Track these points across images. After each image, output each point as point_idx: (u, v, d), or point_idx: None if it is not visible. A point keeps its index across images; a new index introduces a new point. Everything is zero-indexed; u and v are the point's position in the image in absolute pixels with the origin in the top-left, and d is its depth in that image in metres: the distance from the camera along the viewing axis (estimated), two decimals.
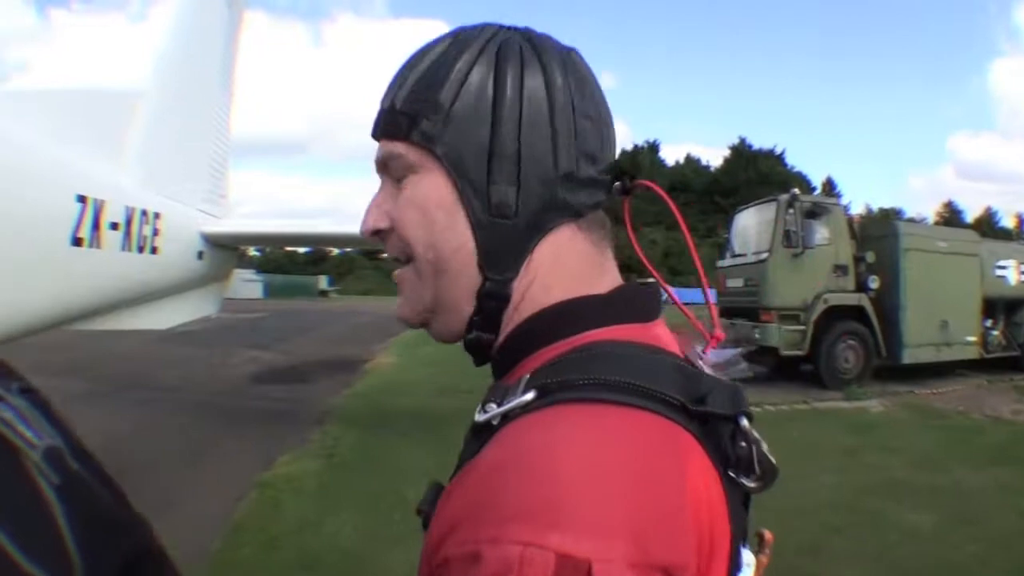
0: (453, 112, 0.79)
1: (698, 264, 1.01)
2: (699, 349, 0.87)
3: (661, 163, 70.15)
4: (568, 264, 0.82)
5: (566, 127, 0.80)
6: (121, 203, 5.31)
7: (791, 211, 12.54)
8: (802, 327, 12.47)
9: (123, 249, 5.35)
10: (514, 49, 0.81)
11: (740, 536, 0.76)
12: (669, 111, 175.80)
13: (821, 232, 12.80)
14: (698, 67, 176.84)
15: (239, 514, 5.65)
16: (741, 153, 78.38)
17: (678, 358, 0.80)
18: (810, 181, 74.53)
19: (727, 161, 79.13)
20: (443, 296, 0.83)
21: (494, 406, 0.73)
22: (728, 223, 15.31)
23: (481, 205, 0.79)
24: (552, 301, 0.81)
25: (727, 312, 13.34)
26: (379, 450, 7.76)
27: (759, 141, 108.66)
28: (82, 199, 4.80)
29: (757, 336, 12.34)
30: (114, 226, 5.19)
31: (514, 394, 0.72)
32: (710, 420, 0.71)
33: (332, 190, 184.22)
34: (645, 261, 1.06)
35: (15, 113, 4.75)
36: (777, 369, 13.15)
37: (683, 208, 1.02)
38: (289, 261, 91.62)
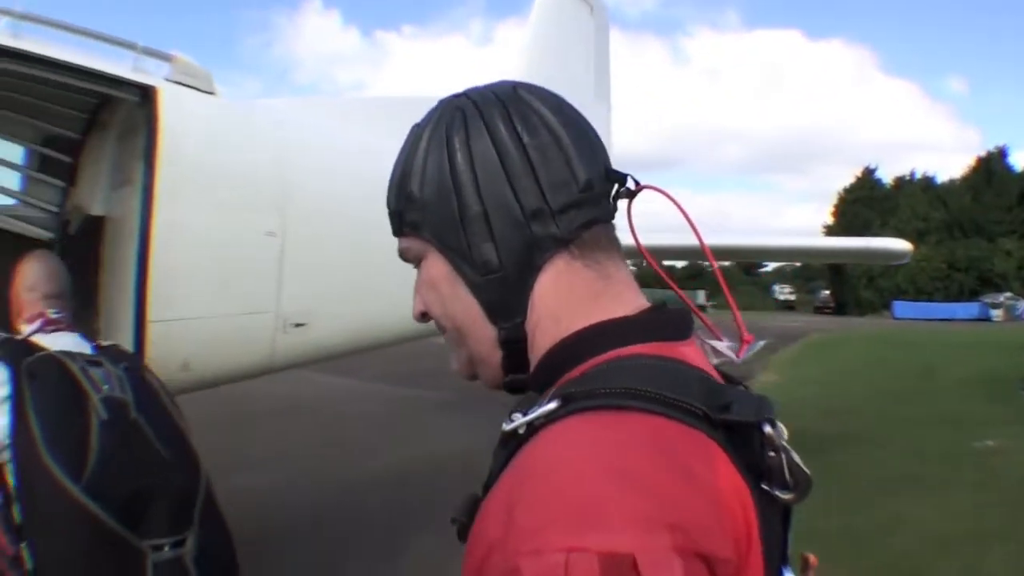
0: (424, 198, 0.88)
1: (717, 272, 1.15)
2: (729, 350, 0.93)
3: (1009, 169, 64.35)
4: (569, 291, 0.86)
5: (520, 169, 0.85)
6: None
7: None
8: None
9: None
10: (457, 121, 0.88)
11: (777, 555, 0.78)
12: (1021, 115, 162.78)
13: None
14: None
15: None
16: None
17: (704, 372, 0.81)
18: None
19: None
20: (474, 352, 0.92)
21: (520, 416, 0.77)
22: None
23: (471, 268, 0.87)
24: (565, 331, 0.84)
25: None
26: None
27: None
28: None
29: None
30: None
31: (540, 404, 0.76)
32: (736, 430, 0.72)
33: (706, 203, 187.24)
34: (655, 266, 1.16)
35: (378, 122, 4.97)
36: None
37: None
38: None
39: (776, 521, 0.78)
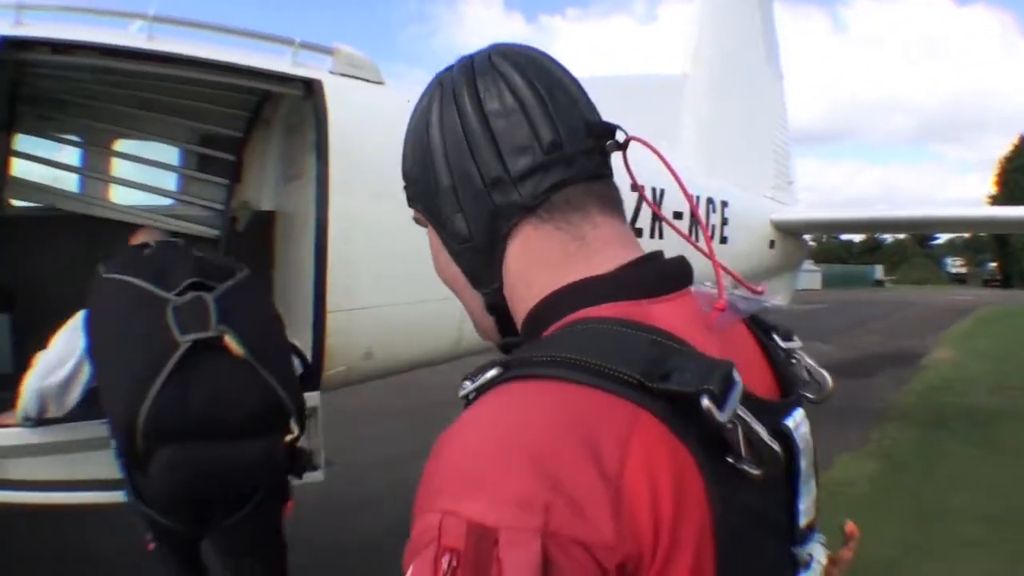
0: (412, 174, 0.95)
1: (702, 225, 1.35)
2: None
3: None
4: (539, 256, 0.87)
5: (481, 139, 0.87)
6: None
7: None
8: None
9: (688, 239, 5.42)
10: (435, 97, 0.92)
11: (781, 531, 0.80)
12: None
13: None
14: None
15: None
16: None
17: (666, 334, 0.75)
18: None
19: None
20: (472, 316, 1.00)
21: (468, 383, 0.80)
22: None
23: (450, 238, 0.92)
24: (537, 296, 0.86)
25: None
26: (932, 453, 7.71)
27: None
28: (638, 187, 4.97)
29: None
30: (678, 215, 5.18)
31: (484, 371, 0.79)
32: (679, 400, 0.68)
33: (876, 175, 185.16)
34: (654, 208, 1.18)
35: None
36: None
37: None
38: (845, 251, 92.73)
39: (764, 494, 0.74)
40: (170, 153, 5.17)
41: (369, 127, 3.86)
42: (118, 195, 5.12)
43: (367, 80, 4.12)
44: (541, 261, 0.87)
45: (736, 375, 0.70)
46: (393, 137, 3.40)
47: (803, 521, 0.83)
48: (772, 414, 0.78)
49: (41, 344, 2.80)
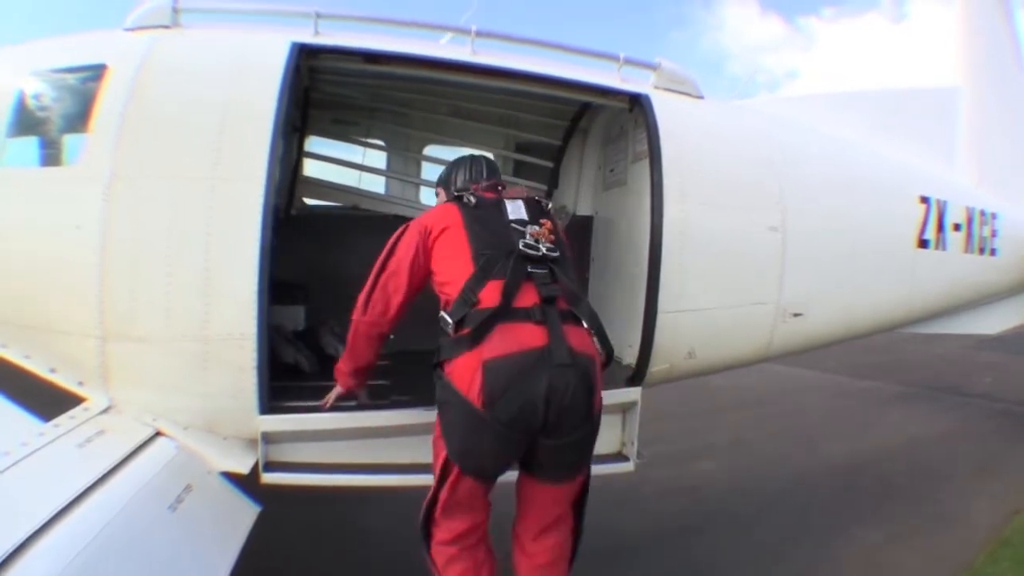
0: None
1: None
2: None
3: None
4: None
5: None
6: (961, 204, 5.35)
7: None
8: None
9: (965, 251, 5.39)
10: None
11: (503, 221, 3.10)
12: None
13: None
14: None
15: (1009, 529, 5.54)
16: None
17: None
18: None
19: None
20: None
21: None
22: None
23: None
24: None
25: None
26: None
27: None
28: (925, 200, 4.98)
29: None
30: (956, 227, 5.25)
31: None
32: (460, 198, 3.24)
33: None
34: None
35: (842, 116, 5.13)
36: None
37: None
38: None
39: (486, 208, 3.17)
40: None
41: (694, 139, 4.06)
42: (424, 197, 5.58)
43: (688, 94, 4.31)
44: None
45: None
46: (716, 149, 3.91)
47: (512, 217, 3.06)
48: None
49: None
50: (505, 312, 2.72)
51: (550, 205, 3.31)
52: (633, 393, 3.92)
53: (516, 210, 3.11)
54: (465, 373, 2.70)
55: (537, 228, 3.01)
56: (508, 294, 2.76)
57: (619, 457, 3.91)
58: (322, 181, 5.52)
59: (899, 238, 4.84)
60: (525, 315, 2.73)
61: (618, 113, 4.58)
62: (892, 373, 12.17)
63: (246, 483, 3.29)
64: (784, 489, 6.30)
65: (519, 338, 2.67)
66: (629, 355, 4.04)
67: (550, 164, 5.41)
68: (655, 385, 4.10)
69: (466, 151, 5.43)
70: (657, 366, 3.94)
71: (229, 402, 3.28)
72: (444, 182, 3.55)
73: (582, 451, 2.93)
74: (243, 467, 3.30)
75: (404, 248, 3.06)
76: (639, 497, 5.71)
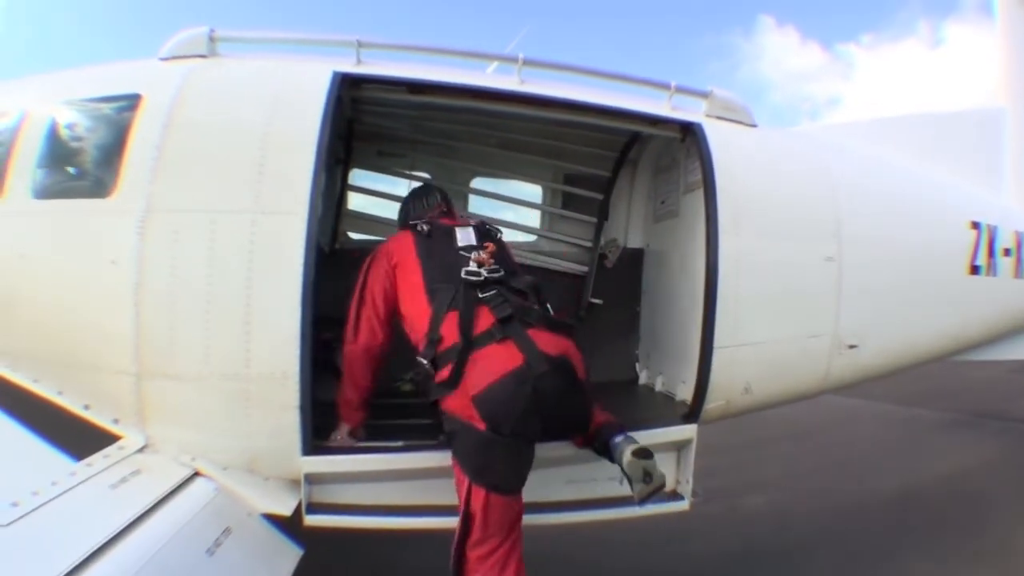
0: None
1: None
2: None
3: None
4: None
5: None
6: (1011, 228, 5.22)
7: None
8: None
9: (1015, 276, 5.23)
10: None
11: (453, 247, 3.38)
12: None
13: None
14: None
15: None
16: None
17: None
18: None
19: None
20: None
21: None
22: None
23: None
24: None
25: None
26: None
27: None
28: (976, 226, 4.84)
29: None
30: (1006, 252, 5.09)
31: None
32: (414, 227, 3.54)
33: None
34: None
35: (887, 142, 4.99)
36: None
37: None
38: None
39: (439, 239, 3.45)
40: (531, 191, 5.44)
41: (748, 169, 3.94)
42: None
43: (742, 123, 4.19)
44: None
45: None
46: (771, 179, 3.64)
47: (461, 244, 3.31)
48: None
49: None
50: (469, 345, 2.87)
51: (500, 233, 3.61)
52: (688, 431, 3.77)
53: (466, 237, 3.37)
54: (461, 409, 2.84)
55: (479, 253, 3.18)
56: (465, 326, 2.91)
57: (674, 496, 3.76)
58: (367, 215, 5.45)
59: (951, 265, 4.69)
60: (488, 337, 2.89)
61: (668, 143, 4.47)
62: (936, 400, 12.03)
63: (287, 523, 3.19)
64: (835, 523, 6.14)
65: (494, 365, 2.81)
66: (683, 391, 3.91)
67: (599, 196, 5.28)
68: (711, 422, 3.94)
69: (513, 184, 5.37)
70: (713, 403, 3.79)
71: (271, 442, 3.18)
72: (402, 217, 3.92)
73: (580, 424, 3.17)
74: (285, 509, 3.19)
75: (373, 279, 3.30)
76: (688, 531, 5.47)
